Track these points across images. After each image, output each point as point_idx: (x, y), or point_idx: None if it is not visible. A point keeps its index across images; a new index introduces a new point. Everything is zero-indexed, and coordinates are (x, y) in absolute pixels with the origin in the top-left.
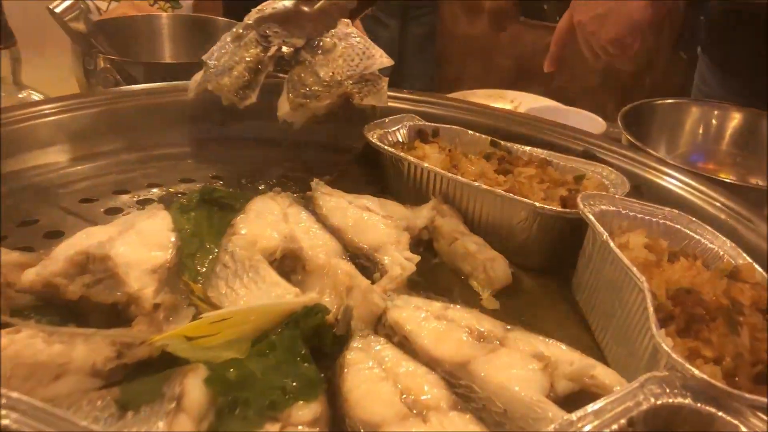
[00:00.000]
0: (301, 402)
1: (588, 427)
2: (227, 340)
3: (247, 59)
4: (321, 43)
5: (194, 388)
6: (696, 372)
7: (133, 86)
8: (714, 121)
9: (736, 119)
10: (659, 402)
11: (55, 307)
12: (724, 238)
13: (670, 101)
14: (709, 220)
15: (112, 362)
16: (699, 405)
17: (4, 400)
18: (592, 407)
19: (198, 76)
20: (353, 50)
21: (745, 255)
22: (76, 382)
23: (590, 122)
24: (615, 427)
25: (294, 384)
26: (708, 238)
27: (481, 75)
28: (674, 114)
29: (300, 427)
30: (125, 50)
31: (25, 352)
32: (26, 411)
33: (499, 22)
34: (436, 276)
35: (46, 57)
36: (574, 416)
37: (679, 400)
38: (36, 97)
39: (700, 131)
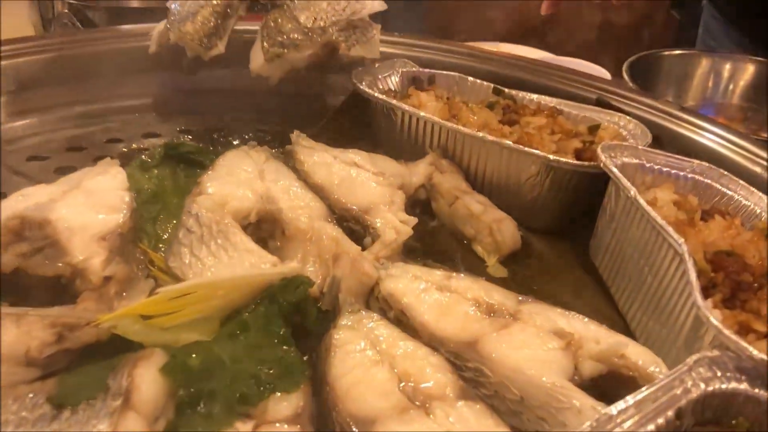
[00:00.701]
0: (279, 394)
1: (629, 423)
2: (190, 319)
3: (214, 2)
4: None
5: (147, 379)
6: (753, 351)
7: (90, 30)
8: (724, 73)
9: (747, 71)
10: (710, 388)
11: None
12: (761, 194)
13: (677, 52)
14: (742, 174)
15: (51, 348)
16: (757, 391)
17: None
18: (633, 398)
19: (161, 26)
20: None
21: None
22: (3, 374)
23: (593, 73)
24: (661, 421)
25: (270, 372)
26: (742, 193)
27: (472, 28)
28: (682, 65)
29: (277, 425)
30: None
31: None
32: None
33: None
34: (435, 241)
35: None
36: (613, 410)
37: (734, 385)
38: None
39: (710, 84)
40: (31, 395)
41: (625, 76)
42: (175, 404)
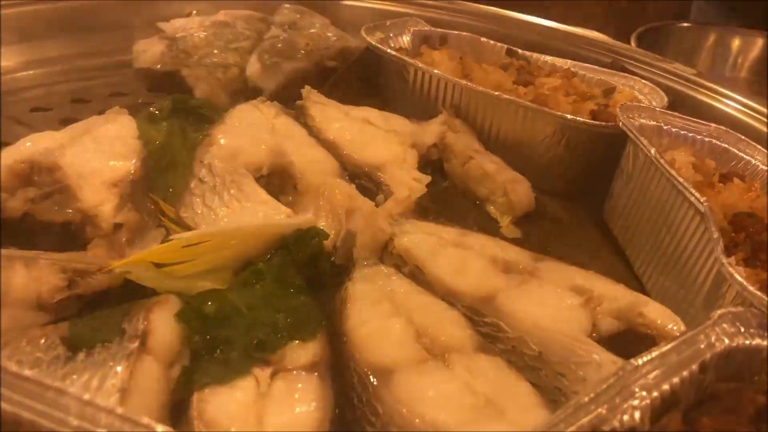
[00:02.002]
0: (297, 342)
1: (654, 374)
2: (204, 268)
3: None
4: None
5: (163, 323)
6: None
7: None
8: (732, 47)
9: (756, 45)
10: (734, 344)
11: None
12: None
13: (686, 24)
14: (760, 140)
15: (62, 293)
16: None
17: None
18: (658, 350)
19: (152, 47)
20: (326, 29)
21: None
22: (13, 317)
23: None
24: (685, 373)
25: (287, 320)
26: (759, 158)
27: None
28: (690, 38)
29: (295, 372)
30: None
31: None
32: None
33: None
34: (447, 201)
35: None
36: (638, 361)
37: (758, 341)
38: None
39: (718, 57)
40: (44, 339)
41: (633, 47)
42: (190, 351)
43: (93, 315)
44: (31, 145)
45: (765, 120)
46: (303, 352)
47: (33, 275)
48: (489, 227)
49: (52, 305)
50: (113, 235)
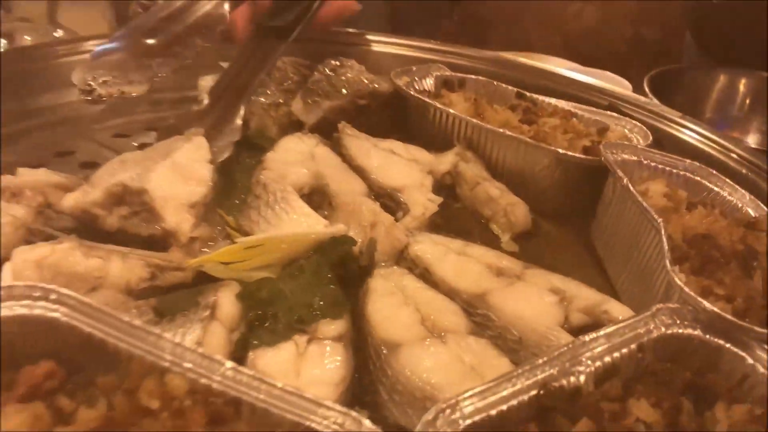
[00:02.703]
0: (328, 319)
1: (599, 349)
2: (259, 264)
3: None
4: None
5: (228, 300)
6: (707, 305)
7: None
8: (740, 88)
9: (764, 87)
10: (669, 331)
11: (96, 231)
12: (744, 191)
13: (697, 67)
14: (730, 174)
15: (145, 283)
16: (708, 337)
17: (54, 296)
18: (604, 330)
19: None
20: (360, 74)
21: (763, 207)
22: (110, 297)
23: (616, 84)
24: (625, 351)
25: (321, 303)
26: (727, 190)
27: (502, 39)
28: (700, 80)
29: (325, 341)
30: None
31: (64, 262)
32: (75, 306)
33: None
34: (457, 219)
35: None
36: (586, 338)
37: (689, 331)
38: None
39: (727, 98)
40: (136, 309)
41: (646, 89)
42: (246, 322)
43: (175, 293)
44: (120, 167)
45: (735, 157)
46: (332, 326)
47: (126, 266)
48: (491, 242)
49: (137, 291)
50: (189, 245)
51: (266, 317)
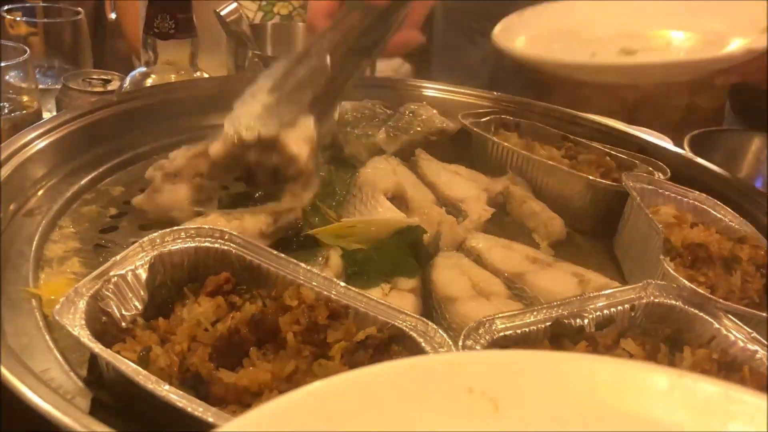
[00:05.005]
0: (404, 277)
1: (600, 304)
2: (357, 239)
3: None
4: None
5: (335, 257)
6: (687, 284)
7: None
8: None
9: None
10: (657, 300)
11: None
12: (746, 221)
13: (739, 130)
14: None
15: (272, 226)
16: (686, 307)
17: (226, 236)
18: (604, 292)
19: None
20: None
21: (761, 236)
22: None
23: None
24: (620, 308)
25: (399, 266)
26: (729, 217)
27: (561, 101)
28: (736, 142)
29: (403, 291)
30: (271, 49)
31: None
32: (240, 243)
33: None
34: (506, 228)
35: (203, 48)
36: (592, 294)
37: (672, 301)
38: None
39: (762, 158)
40: None
41: (686, 148)
42: (346, 275)
43: (300, 251)
44: None
45: (740, 193)
46: (407, 282)
47: (254, 219)
48: (532, 246)
49: (267, 234)
50: (301, 175)
51: (361, 273)
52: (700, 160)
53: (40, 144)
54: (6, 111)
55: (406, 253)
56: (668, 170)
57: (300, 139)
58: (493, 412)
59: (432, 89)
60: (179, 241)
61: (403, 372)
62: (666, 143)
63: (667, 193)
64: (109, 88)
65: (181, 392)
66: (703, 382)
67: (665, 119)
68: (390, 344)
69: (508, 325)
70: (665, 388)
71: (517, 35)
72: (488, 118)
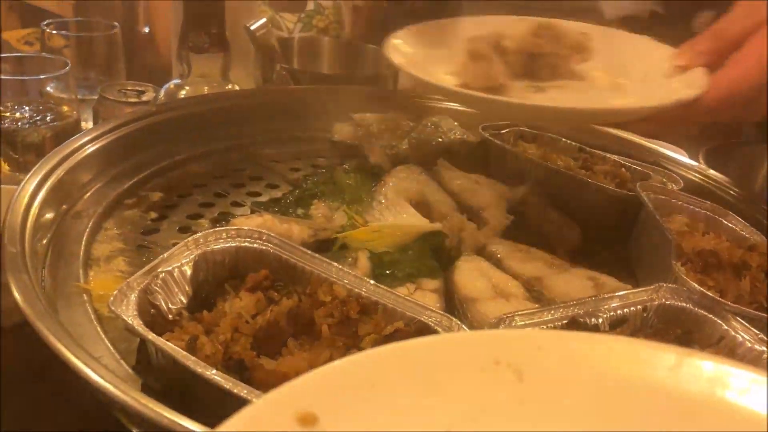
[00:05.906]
0: (428, 278)
1: (615, 304)
2: (382, 242)
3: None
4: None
5: (362, 259)
6: (697, 287)
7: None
8: None
9: None
10: (668, 302)
11: None
12: (757, 231)
13: (754, 143)
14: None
15: (312, 237)
16: (696, 309)
17: (265, 237)
18: (618, 293)
19: (345, 128)
20: (455, 128)
21: None
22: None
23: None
24: (633, 309)
25: (423, 269)
26: (739, 227)
27: None
28: (751, 156)
29: (426, 291)
30: (297, 62)
31: (269, 225)
32: (277, 243)
33: None
34: (525, 235)
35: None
36: (605, 296)
37: (683, 303)
38: (237, 87)
39: None
40: None
41: (701, 161)
42: (374, 275)
43: (331, 252)
44: None
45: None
46: (431, 282)
47: (300, 228)
48: (549, 253)
49: (308, 243)
50: None
51: (386, 273)
52: (712, 172)
53: (89, 149)
54: (48, 120)
55: (430, 256)
56: (681, 181)
57: None
58: (518, 381)
59: (453, 102)
60: (221, 240)
61: (438, 344)
62: (681, 156)
63: (680, 202)
64: (144, 98)
65: (226, 376)
66: (708, 359)
67: (681, 133)
68: (416, 338)
69: (527, 322)
70: (674, 362)
71: (412, 47)
72: (507, 130)
